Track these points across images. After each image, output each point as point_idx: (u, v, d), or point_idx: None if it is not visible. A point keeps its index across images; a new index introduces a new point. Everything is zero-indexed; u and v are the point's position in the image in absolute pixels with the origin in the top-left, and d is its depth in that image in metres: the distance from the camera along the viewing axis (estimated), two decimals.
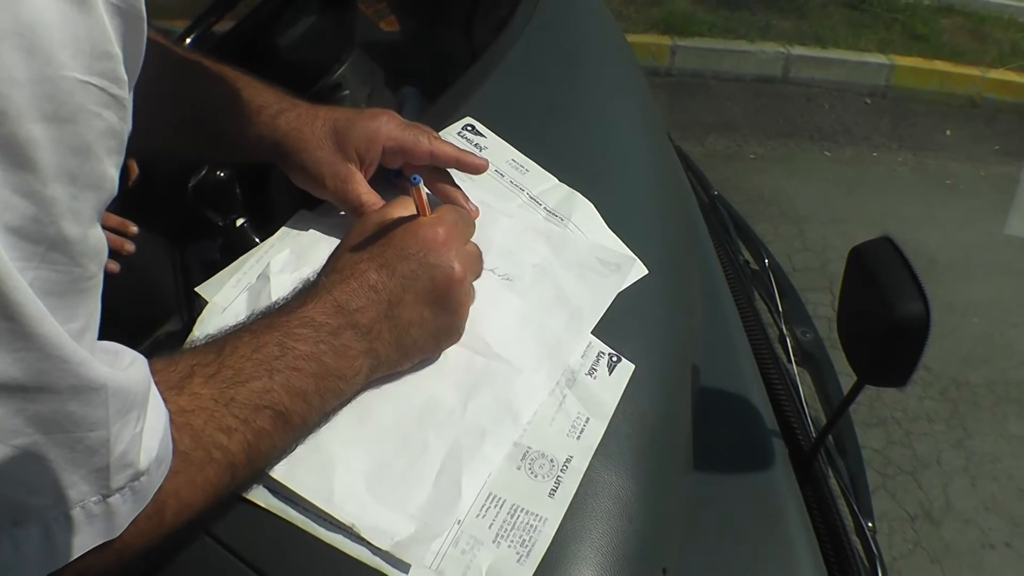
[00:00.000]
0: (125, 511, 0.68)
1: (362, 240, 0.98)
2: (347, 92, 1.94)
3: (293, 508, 0.87)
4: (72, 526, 0.65)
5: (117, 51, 0.57)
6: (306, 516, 0.86)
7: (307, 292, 0.93)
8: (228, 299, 1.06)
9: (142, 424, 0.68)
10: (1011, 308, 4.71)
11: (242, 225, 1.29)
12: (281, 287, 1.05)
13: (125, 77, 0.59)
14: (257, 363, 0.83)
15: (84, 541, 0.66)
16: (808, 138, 6.35)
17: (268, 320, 0.89)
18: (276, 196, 1.44)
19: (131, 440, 0.67)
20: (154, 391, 0.72)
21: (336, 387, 0.90)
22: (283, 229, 1.17)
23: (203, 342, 0.87)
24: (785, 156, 6.06)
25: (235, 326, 0.90)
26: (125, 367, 0.67)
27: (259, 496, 0.87)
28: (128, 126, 0.61)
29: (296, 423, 0.86)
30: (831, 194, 5.56)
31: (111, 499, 0.66)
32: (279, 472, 0.87)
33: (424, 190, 0.99)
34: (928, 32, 7.74)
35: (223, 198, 1.40)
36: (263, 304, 1.02)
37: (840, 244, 4.82)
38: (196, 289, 1.08)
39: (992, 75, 7.27)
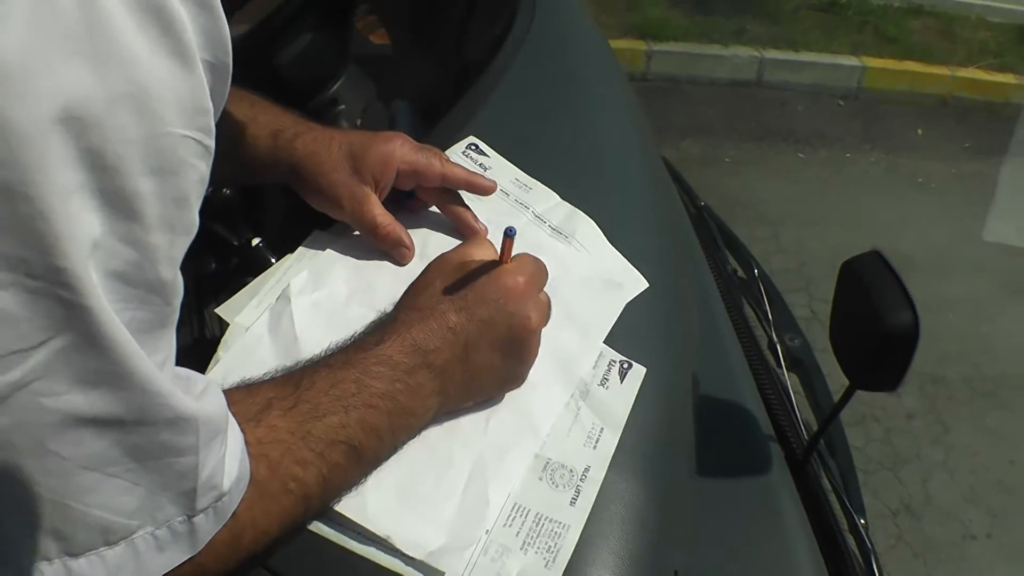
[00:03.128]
0: (207, 529, 0.72)
1: (443, 280, 1.00)
2: (343, 107, 1.96)
3: (327, 524, 0.90)
4: (159, 545, 0.68)
5: (210, 105, 0.62)
6: (340, 531, 0.89)
7: (384, 328, 0.96)
8: (250, 320, 1.08)
9: (225, 448, 0.72)
10: (985, 304, 4.77)
11: (258, 244, 1.32)
12: (301, 308, 1.08)
13: (214, 128, 0.63)
14: (334, 399, 0.86)
15: (169, 559, 0.70)
16: (782, 140, 6.39)
17: (345, 356, 0.91)
18: (286, 214, 1.47)
19: (216, 464, 0.71)
20: (231, 415, 0.76)
21: (408, 424, 0.93)
22: (300, 249, 1.19)
23: (281, 374, 0.90)
24: (759, 159, 6.10)
25: (313, 359, 0.93)
26: (199, 393, 0.70)
27: None
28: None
29: (369, 458, 0.90)
30: (806, 196, 5.60)
31: (196, 519, 0.70)
32: None
33: (513, 242, 1.01)
34: (898, 33, 7.80)
35: (232, 216, 1.43)
36: (285, 325, 1.06)
37: (815, 246, 4.88)
38: (216, 310, 1.10)
39: (962, 74, 7.36)
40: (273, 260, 1.21)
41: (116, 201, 0.56)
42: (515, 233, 0.99)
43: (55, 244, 0.53)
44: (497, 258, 1.02)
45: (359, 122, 1.96)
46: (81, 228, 0.54)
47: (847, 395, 1.24)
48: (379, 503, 0.91)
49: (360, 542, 0.89)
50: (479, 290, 0.98)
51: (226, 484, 0.73)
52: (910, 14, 8.28)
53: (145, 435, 0.63)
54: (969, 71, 7.42)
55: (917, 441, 3.93)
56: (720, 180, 5.55)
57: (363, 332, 0.97)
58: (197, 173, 0.63)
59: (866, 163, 6.23)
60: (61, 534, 0.62)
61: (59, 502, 0.60)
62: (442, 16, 2.26)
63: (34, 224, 0.52)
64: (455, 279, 0.99)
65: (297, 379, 0.87)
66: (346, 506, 0.90)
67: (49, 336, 0.55)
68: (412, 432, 0.95)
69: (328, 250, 1.19)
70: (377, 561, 0.88)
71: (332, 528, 0.89)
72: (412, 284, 1.03)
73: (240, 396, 0.81)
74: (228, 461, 0.73)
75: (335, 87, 1.94)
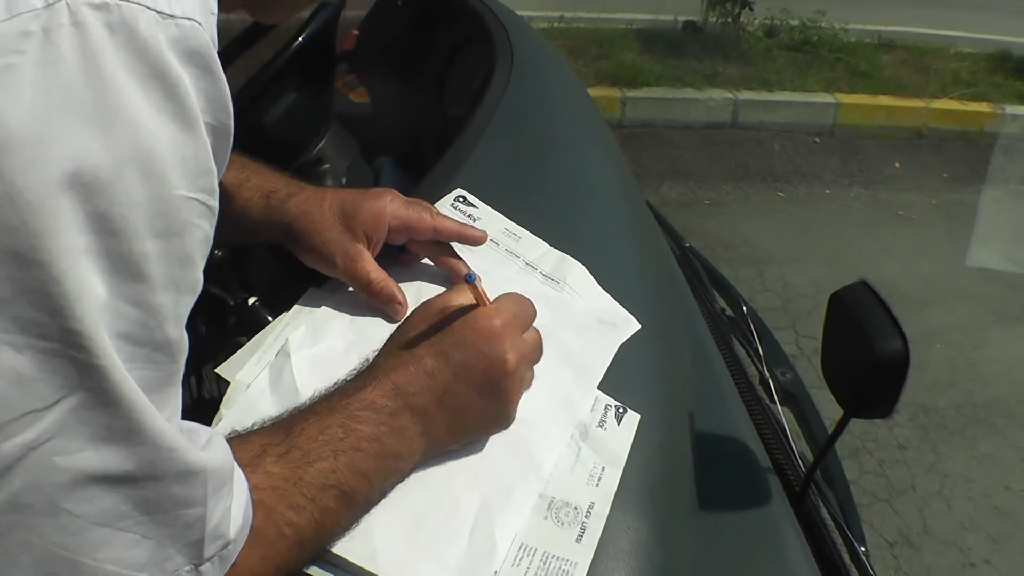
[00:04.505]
0: None
1: (422, 326, 1.01)
2: (328, 165, 1.99)
3: (336, 572, 0.90)
4: None
5: (213, 166, 0.65)
6: None
7: (366, 375, 0.97)
8: (250, 376, 1.10)
9: (231, 497, 0.74)
10: (971, 331, 4.80)
11: (254, 303, 1.34)
12: (301, 363, 1.10)
13: (217, 188, 0.66)
14: (323, 444, 0.87)
15: None
16: (761, 180, 6.46)
17: (330, 403, 0.93)
18: (278, 272, 1.49)
19: (223, 513, 0.72)
20: (235, 463, 0.77)
21: (395, 466, 0.94)
22: (296, 307, 1.21)
23: (271, 423, 0.92)
24: (739, 199, 6.16)
25: (300, 407, 0.94)
26: (205, 444, 0.72)
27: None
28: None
29: (359, 501, 0.90)
30: (787, 233, 5.64)
31: (202, 567, 0.71)
32: None
33: (480, 284, 1.02)
34: (871, 69, 7.93)
35: (225, 276, 1.44)
36: (286, 380, 1.07)
37: (799, 282, 4.91)
38: (217, 370, 1.12)
39: (936, 105, 7.47)
40: (270, 318, 1.23)
41: (123, 263, 0.58)
42: (475, 279, 1.01)
43: (67, 306, 0.55)
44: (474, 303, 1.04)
45: (344, 180, 1.99)
46: (91, 290, 0.56)
47: (842, 424, 1.26)
48: (388, 549, 0.91)
49: None
50: (455, 334, 1.00)
51: (232, 532, 0.74)
52: (881, 49, 8.42)
53: (155, 489, 0.64)
54: (943, 102, 7.53)
55: (911, 471, 3.92)
56: (701, 222, 5.59)
57: (347, 379, 0.99)
58: (201, 233, 0.65)
59: (846, 198, 6.29)
60: None
61: (72, 559, 0.61)
62: (420, 72, 2.29)
63: (46, 288, 0.54)
64: (434, 324, 1.01)
65: (288, 426, 0.89)
66: (356, 554, 0.90)
67: (63, 395, 0.57)
68: (399, 475, 0.96)
69: (323, 307, 1.21)
70: None
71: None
72: (395, 331, 1.05)
73: (235, 444, 0.81)
74: (234, 509, 0.74)
75: (319, 146, 1.97)
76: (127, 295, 0.59)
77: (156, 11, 0.58)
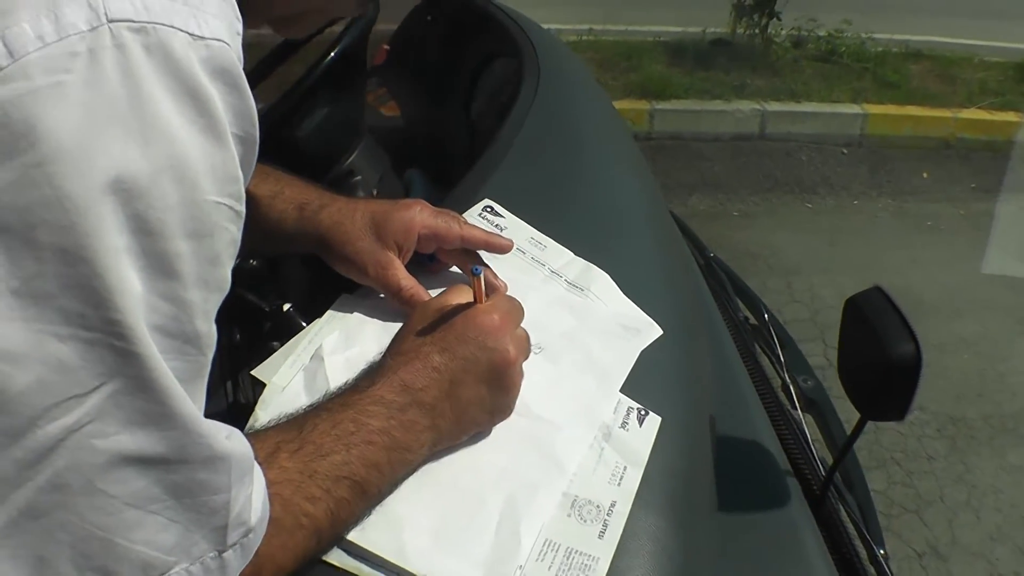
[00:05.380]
0: (235, 565, 0.77)
1: (424, 325, 1.07)
2: (359, 177, 2.03)
3: (367, 565, 0.93)
4: None
5: (240, 174, 0.69)
6: (380, 572, 0.93)
7: (375, 372, 1.02)
8: (286, 379, 1.14)
9: (252, 486, 0.78)
10: (999, 342, 4.78)
11: (288, 310, 1.37)
12: (335, 366, 1.14)
13: (244, 194, 0.71)
14: (336, 438, 0.92)
15: None
16: (789, 192, 6.45)
17: (342, 399, 0.97)
18: (312, 281, 1.52)
19: (245, 500, 0.76)
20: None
21: (404, 458, 0.98)
22: (329, 312, 1.25)
23: (284, 420, 0.96)
24: (768, 211, 6.15)
25: (312, 405, 0.99)
26: (227, 436, 0.75)
27: (334, 557, 0.94)
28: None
29: (371, 492, 0.94)
30: (815, 245, 5.63)
31: (225, 554, 0.75)
32: (352, 534, 0.94)
33: (482, 280, 1.08)
34: (898, 79, 7.90)
35: (261, 285, 1.48)
36: (319, 383, 1.12)
37: (827, 294, 4.91)
38: (252, 372, 1.16)
39: (963, 115, 7.44)
40: (303, 324, 1.26)
41: (158, 261, 0.63)
42: (480, 272, 1.07)
43: (109, 299, 0.60)
44: (472, 300, 1.10)
45: (375, 191, 2.02)
46: (130, 284, 0.61)
47: (859, 427, 1.29)
48: (416, 544, 0.95)
49: None
50: (458, 330, 1.05)
51: (253, 520, 0.77)
52: (909, 58, 8.39)
53: (184, 473, 0.68)
54: (971, 112, 7.50)
55: (939, 482, 3.91)
56: (730, 233, 5.59)
57: (355, 378, 1.03)
58: (229, 235, 0.70)
59: (874, 209, 6.27)
60: (107, 570, 0.66)
61: (107, 539, 0.65)
62: (449, 86, 2.33)
63: (90, 282, 0.59)
64: (436, 323, 1.07)
65: (300, 423, 0.93)
66: (384, 548, 0.94)
67: (102, 381, 0.62)
68: (409, 467, 1.00)
69: (356, 313, 1.25)
70: None
71: (372, 569, 0.93)
72: (397, 332, 1.10)
73: (251, 442, 0.84)
74: (254, 498, 0.78)
75: (351, 159, 2.01)
76: (161, 291, 0.64)
77: (188, 33, 0.63)
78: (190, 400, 0.68)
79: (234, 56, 0.68)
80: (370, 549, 0.94)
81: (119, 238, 0.60)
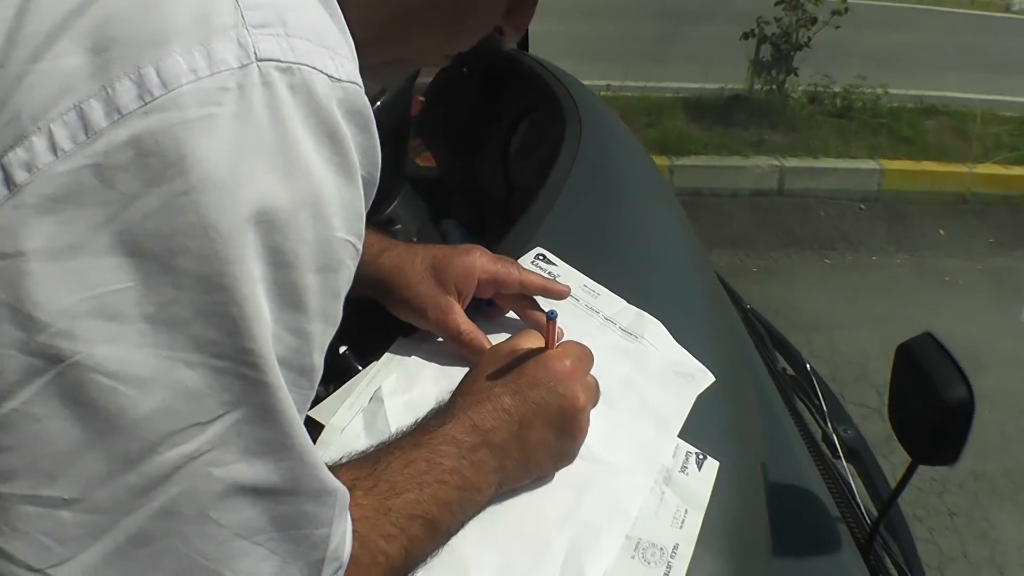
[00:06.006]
0: None
1: (496, 368, 1.08)
2: (399, 226, 2.04)
3: None
4: None
5: (363, 213, 0.71)
6: None
7: (444, 412, 1.03)
8: (344, 421, 1.15)
9: (346, 522, 0.78)
10: (1020, 396, 4.76)
11: (344, 352, 1.38)
12: (395, 408, 1.15)
13: (364, 234, 0.72)
14: (409, 477, 0.92)
15: None
16: (807, 247, 6.48)
17: (413, 439, 0.98)
18: (367, 324, 1.54)
19: (341, 537, 0.76)
20: None
21: (474, 499, 0.99)
22: (387, 355, 1.26)
23: (356, 457, 0.96)
24: (787, 267, 6.18)
25: (383, 443, 0.99)
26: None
27: None
28: None
29: (442, 531, 0.95)
30: (835, 301, 5.64)
31: None
32: (420, 575, 0.94)
33: (556, 325, 1.10)
34: (914, 134, 7.97)
35: None
36: (380, 425, 1.12)
37: (847, 349, 4.91)
38: (309, 413, 1.17)
39: (979, 170, 7.50)
40: (359, 367, 1.27)
41: (288, 293, 0.64)
42: (556, 316, 1.09)
43: (245, 327, 0.61)
44: (543, 346, 1.11)
45: (415, 239, 2.03)
46: (264, 314, 0.62)
47: (909, 472, 1.29)
48: None
49: None
50: (529, 374, 1.06)
51: (345, 556, 0.78)
52: (923, 114, 8.46)
53: (293, 504, 0.69)
54: (986, 166, 7.57)
55: (962, 538, 3.89)
56: (749, 289, 5.54)
57: (424, 418, 1.04)
58: (348, 272, 0.71)
59: (892, 265, 6.29)
60: None
61: (211, 568, 0.65)
62: (485, 138, 2.35)
63: (227, 310, 0.60)
64: (507, 366, 1.08)
65: (373, 460, 0.93)
66: None
67: (227, 410, 0.62)
68: (477, 507, 1.01)
69: (414, 356, 1.26)
70: None
71: None
72: (468, 373, 1.11)
73: None
74: (347, 534, 0.79)
75: (392, 207, 2.02)
76: (287, 322, 0.65)
77: (327, 75, 0.65)
78: (305, 432, 0.69)
79: (365, 99, 0.70)
80: None
81: (257, 268, 0.61)
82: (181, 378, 0.60)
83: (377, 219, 2.01)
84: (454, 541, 0.98)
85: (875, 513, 1.55)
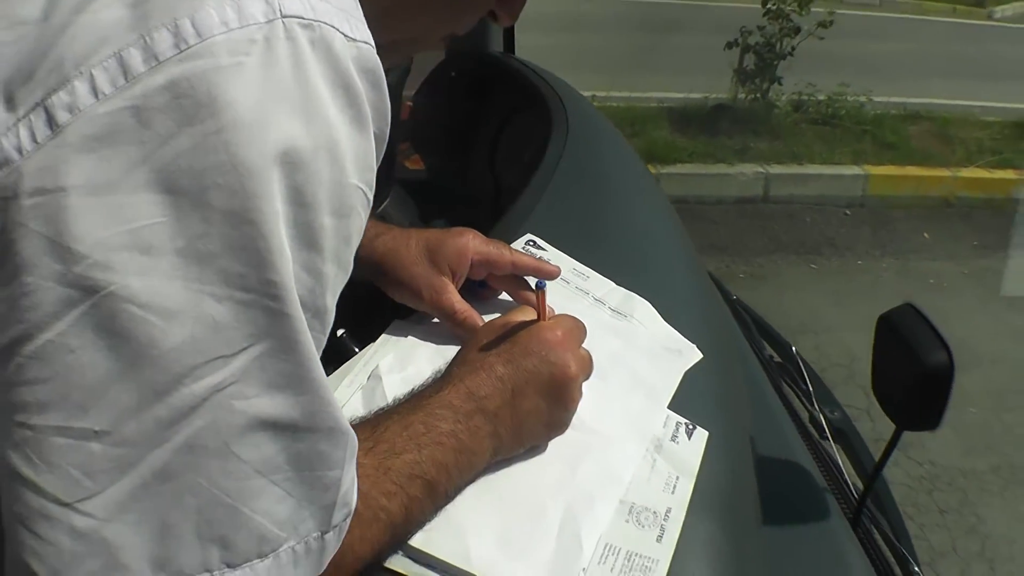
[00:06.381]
0: (331, 549, 0.78)
1: (490, 340, 1.11)
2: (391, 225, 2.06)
3: (433, 572, 0.96)
4: (295, 560, 0.74)
5: (375, 165, 0.75)
6: None
7: (441, 380, 1.06)
8: (344, 397, 1.17)
9: (355, 470, 0.81)
10: (1005, 394, 4.82)
11: (342, 335, 1.40)
12: (392, 385, 1.17)
13: (374, 185, 0.76)
14: (407, 439, 0.95)
15: (299, 575, 0.75)
16: (793, 253, 6.51)
17: (411, 404, 1.01)
18: (363, 307, 1.57)
19: (351, 482, 0.79)
20: None
21: (470, 462, 1.02)
22: (383, 336, 1.29)
23: (356, 422, 0.97)
24: (773, 272, 6.21)
25: (381, 409, 1.03)
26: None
27: (400, 564, 0.96)
28: None
29: (440, 492, 0.97)
30: (821, 305, 5.67)
31: (327, 535, 0.77)
32: (417, 541, 0.97)
33: (545, 296, 1.13)
34: (897, 140, 8.02)
35: None
36: (378, 400, 1.15)
37: (834, 352, 4.93)
38: None
39: (963, 174, 7.58)
40: (356, 349, 1.30)
41: (306, 233, 0.68)
42: (545, 286, 1.13)
43: (270, 260, 0.65)
44: (536, 318, 1.14)
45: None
46: (286, 249, 0.66)
47: (894, 439, 1.33)
48: (481, 550, 0.98)
49: None
50: (522, 344, 1.09)
51: (353, 502, 0.81)
52: (907, 120, 8.51)
53: (309, 442, 0.72)
54: (970, 171, 7.64)
55: (952, 534, 3.92)
56: (737, 294, 5.57)
57: (420, 386, 1.07)
58: (360, 220, 0.75)
59: (878, 269, 6.32)
60: (226, 541, 0.68)
61: (232, 506, 0.68)
62: (473, 141, 2.38)
63: (254, 243, 0.64)
64: (500, 338, 1.11)
65: (373, 424, 0.96)
66: (450, 554, 0.97)
67: (251, 343, 0.66)
68: (472, 472, 1.03)
69: (410, 336, 1.29)
70: None
71: (439, 575, 0.96)
72: (463, 345, 1.14)
73: None
74: (355, 484, 0.82)
75: (382, 207, 2.05)
76: (304, 261, 0.68)
77: (343, 34, 0.69)
78: (322, 369, 0.72)
79: (377, 59, 0.74)
80: (436, 555, 0.96)
81: (280, 206, 0.65)
82: (209, 311, 0.64)
83: (370, 217, 2.03)
84: (452, 509, 1.01)
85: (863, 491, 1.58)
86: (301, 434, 0.71)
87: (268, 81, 0.64)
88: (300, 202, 0.67)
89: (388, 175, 2.09)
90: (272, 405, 0.68)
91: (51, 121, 0.61)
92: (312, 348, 0.70)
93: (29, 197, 0.61)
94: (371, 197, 0.76)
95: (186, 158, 0.62)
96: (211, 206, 0.62)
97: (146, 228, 0.62)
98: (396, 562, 0.96)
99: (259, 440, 0.68)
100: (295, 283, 0.68)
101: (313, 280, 0.70)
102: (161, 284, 0.62)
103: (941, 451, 4.33)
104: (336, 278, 0.74)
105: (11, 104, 0.62)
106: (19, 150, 0.61)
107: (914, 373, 1.25)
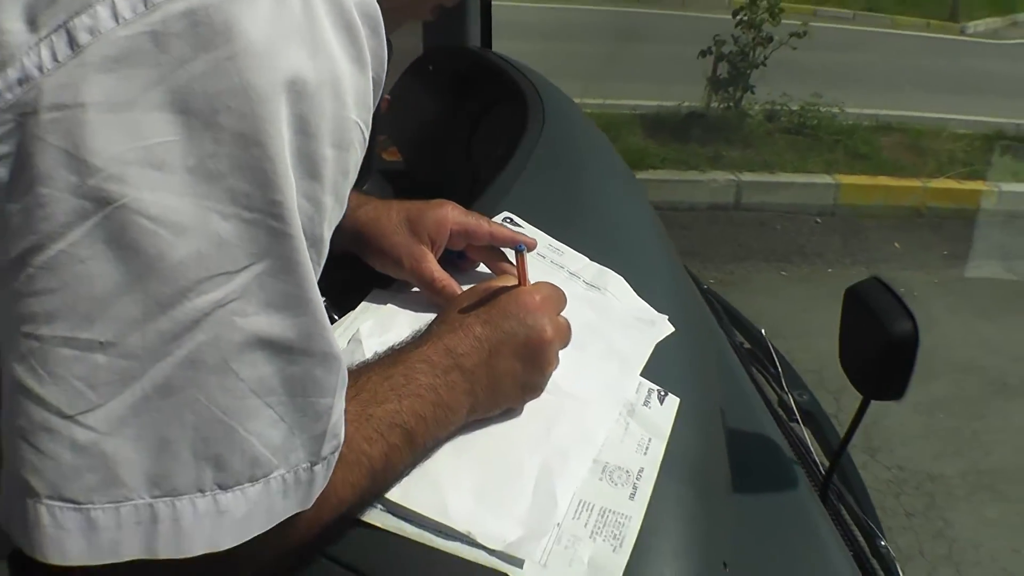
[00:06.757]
0: (319, 483, 0.80)
1: (470, 302, 1.13)
2: None
3: (409, 524, 0.98)
4: (285, 489, 0.76)
5: (372, 105, 0.79)
6: (422, 530, 0.98)
7: (421, 338, 1.08)
8: None
9: (343, 401, 0.83)
10: (974, 402, 4.88)
11: (323, 303, 1.42)
12: (372, 348, 1.17)
13: (370, 123, 0.80)
14: (388, 389, 0.97)
15: (286, 508, 0.77)
16: (764, 260, 6.56)
17: (391, 358, 1.03)
18: (343, 278, 1.59)
19: (340, 413, 0.81)
20: None
21: (447, 417, 1.03)
22: (363, 304, 1.31)
23: None
24: (743, 279, 6.24)
25: (363, 361, 1.05)
26: None
27: (376, 518, 0.98)
28: None
29: (418, 443, 0.99)
30: (791, 311, 5.68)
31: (316, 467, 0.79)
32: (395, 495, 0.99)
33: (527, 261, 1.16)
34: (869, 150, 8.09)
35: None
36: (357, 362, 1.17)
37: (804, 357, 4.87)
38: None
39: (933, 185, 7.64)
40: (336, 317, 1.32)
41: (308, 161, 0.71)
42: (524, 249, 1.16)
43: (275, 181, 0.68)
44: (516, 284, 1.17)
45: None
46: (291, 173, 0.69)
47: (861, 410, 1.35)
48: (459, 504, 1.00)
49: (443, 539, 0.98)
50: (501, 306, 1.12)
51: (342, 436, 0.83)
52: (879, 131, 8.59)
53: (304, 366, 0.74)
54: (940, 181, 7.71)
55: (919, 537, 3.95)
56: None
57: (402, 343, 1.09)
58: (357, 155, 0.79)
59: (848, 277, 6.21)
60: (220, 461, 0.70)
61: (228, 424, 0.70)
62: (450, 133, 2.40)
63: (261, 165, 0.67)
64: (480, 299, 1.13)
65: (355, 375, 0.96)
66: (428, 508, 0.99)
67: (253, 261, 0.68)
68: (449, 427, 1.05)
69: (389, 304, 1.31)
70: (460, 555, 0.97)
71: (416, 528, 0.98)
72: (445, 307, 1.17)
73: None
74: (343, 418, 0.83)
75: (362, 191, 2.07)
76: (304, 189, 0.72)
77: None
78: (319, 293, 0.75)
79: (377, 7, 0.78)
80: (413, 508, 0.98)
81: (286, 132, 0.68)
82: (215, 227, 0.66)
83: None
84: (430, 465, 1.03)
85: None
86: (297, 356, 0.73)
87: (279, 15, 0.68)
88: (304, 131, 0.70)
89: (367, 165, 2.11)
90: (270, 324, 0.71)
91: (72, 42, 0.64)
92: (311, 272, 0.73)
93: (48, 112, 0.63)
94: (367, 136, 0.79)
95: (200, 81, 0.65)
96: (222, 127, 0.65)
97: (159, 145, 0.64)
98: (374, 516, 0.98)
99: (256, 359, 0.71)
100: (298, 210, 0.71)
101: (313, 208, 0.73)
102: (171, 199, 0.65)
103: (909, 456, 4.36)
104: (333, 211, 0.77)
105: (33, 25, 0.64)
106: (40, 68, 0.64)
107: (880, 343, 1.27)
